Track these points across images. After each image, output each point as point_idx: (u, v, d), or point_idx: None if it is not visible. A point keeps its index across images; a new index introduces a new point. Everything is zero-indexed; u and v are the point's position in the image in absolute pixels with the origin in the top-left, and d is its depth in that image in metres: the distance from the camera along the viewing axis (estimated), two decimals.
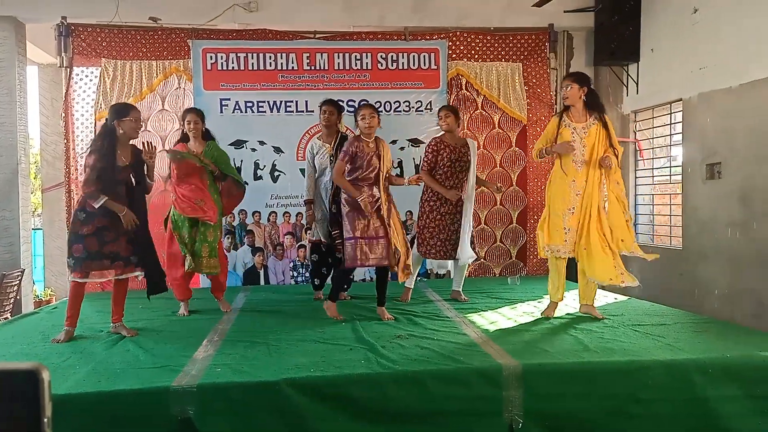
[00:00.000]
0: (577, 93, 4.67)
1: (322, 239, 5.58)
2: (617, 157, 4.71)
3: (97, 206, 4.22)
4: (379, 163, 4.84)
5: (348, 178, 4.82)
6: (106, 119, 4.48)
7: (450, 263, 7.03)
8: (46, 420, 0.89)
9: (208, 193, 5.20)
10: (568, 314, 4.94)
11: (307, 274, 6.95)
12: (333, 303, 4.92)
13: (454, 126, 5.52)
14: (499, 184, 6.14)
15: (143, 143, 4.56)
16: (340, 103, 7.20)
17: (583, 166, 4.67)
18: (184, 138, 5.30)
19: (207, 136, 5.32)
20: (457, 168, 5.46)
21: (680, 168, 6.42)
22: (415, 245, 5.59)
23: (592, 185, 4.67)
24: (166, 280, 4.88)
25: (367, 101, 7.02)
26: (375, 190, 4.84)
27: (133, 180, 4.46)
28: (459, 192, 5.41)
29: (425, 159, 5.51)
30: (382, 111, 7.12)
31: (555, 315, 4.86)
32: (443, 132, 5.57)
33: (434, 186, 5.43)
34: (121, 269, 4.39)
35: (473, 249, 5.63)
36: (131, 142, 4.50)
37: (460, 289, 5.74)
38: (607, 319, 4.68)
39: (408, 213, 7.21)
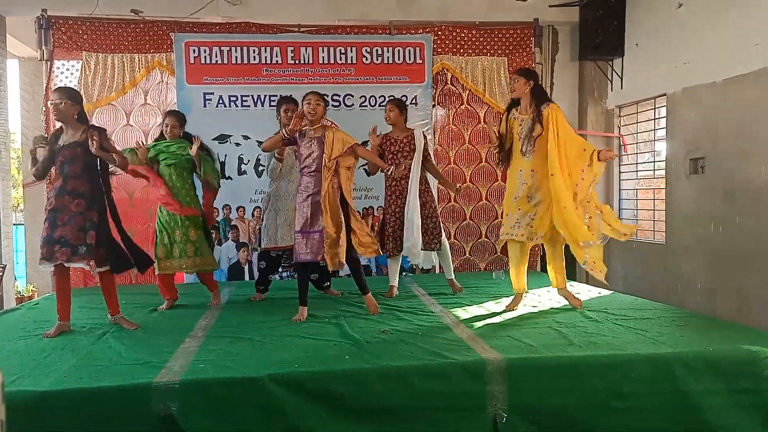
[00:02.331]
0: (523, 87, 4.84)
1: (274, 244, 5.48)
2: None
3: (35, 174, 4.27)
4: (319, 152, 4.70)
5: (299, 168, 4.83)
6: None
7: (434, 256, 7.04)
8: (0, 422, 0.85)
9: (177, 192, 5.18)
10: (552, 309, 4.96)
11: (292, 270, 6.92)
12: (303, 308, 4.76)
13: (397, 119, 5.54)
14: (458, 185, 6.10)
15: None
16: (325, 97, 7.19)
17: (531, 155, 4.81)
18: (160, 137, 5.28)
19: (185, 138, 5.27)
20: (400, 159, 5.46)
21: (664, 163, 6.45)
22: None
23: (542, 174, 4.77)
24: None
25: (352, 95, 7.06)
26: (313, 179, 4.71)
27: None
28: (402, 169, 5.31)
29: None
30: (366, 105, 7.14)
31: (538, 308, 4.91)
32: (390, 127, 5.61)
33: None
34: (67, 257, 4.15)
35: (434, 240, 5.56)
36: (76, 121, 4.33)
37: (453, 278, 5.78)
38: (590, 313, 4.70)
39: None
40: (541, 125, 4.75)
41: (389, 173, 5.08)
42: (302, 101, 4.84)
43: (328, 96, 7.04)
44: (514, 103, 4.98)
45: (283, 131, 4.78)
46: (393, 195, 5.53)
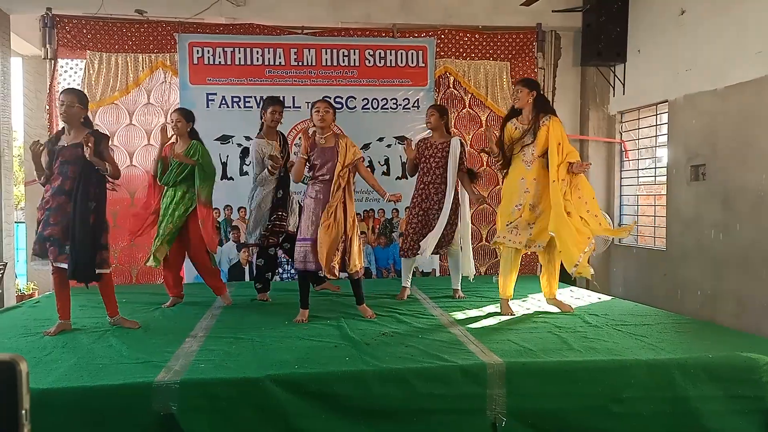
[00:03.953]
0: (526, 97, 4.91)
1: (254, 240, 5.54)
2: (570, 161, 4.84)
3: (43, 182, 4.29)
4: (333, 162, 4.71)
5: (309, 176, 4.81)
6: None
7: (436, 261, 7.10)
8: (23, 412, 0.86)
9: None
10: (551, 313, 4.98)
11: (293, 271, 6.94)
12: (304, 310, 4.77)
13: (437, 124, 5.57)
14: (482, 196, 6.06)
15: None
16: (328, 99, 7.25)
17: (532, 165, 4.90)
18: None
19: (192, 135, 5.36)
20: (432, 164, 5.52)
21: (665, 169, 6.46)
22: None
23: (543, 184, 4.86)
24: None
25: (355, 98, 7.07)
26: (324, 187, 4.72)
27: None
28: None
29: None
30: (369, 108, 7.15)
31: (529, 313, 4.93)
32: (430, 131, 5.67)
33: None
34: (54, 256, 4.18)
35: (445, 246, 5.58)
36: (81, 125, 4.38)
37: (458, 287, 5.78)
38: (589, 318, 4.72)
39: (394, 211, 7.22)
40: (534, 136, 4.84)
41: (386, 200, 4.94)
42: (311, 110, 4.86)
43: (330, 98, 7.12)
44: (515, 113, 5.02)
45: (301, 154, 4.78)
46: (419, 198, 5.57)
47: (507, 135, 5.00)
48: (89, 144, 4.14)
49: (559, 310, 5.06)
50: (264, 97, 5.72)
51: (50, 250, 4.19)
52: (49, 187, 4.30)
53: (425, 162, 5.56)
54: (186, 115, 5.34)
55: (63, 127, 4.43)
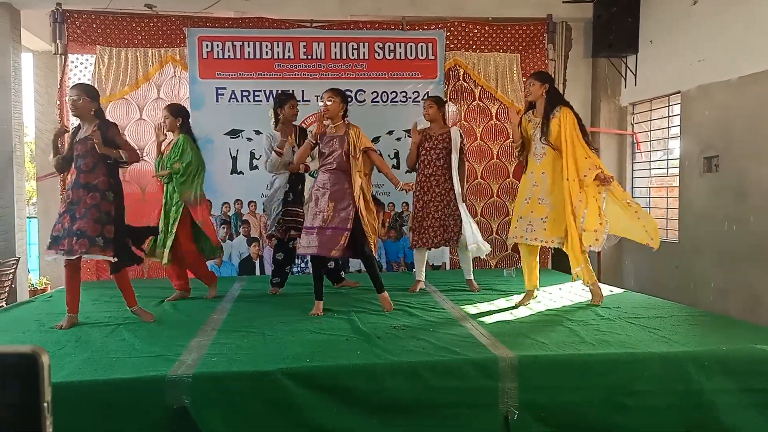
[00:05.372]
0: (538, 90, 4.87)
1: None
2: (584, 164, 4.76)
3: (56, 165, 4.45)
4: (341, 150, 4.74)
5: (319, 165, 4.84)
6: None
7: (446, 254, 7.10)
8: (45, 405, 0.86)
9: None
10: (564, 307, 4.96)
11: (303, 264, 6.95)
12: (318, 302, 4.76)
13: (436, 116, 5.60)
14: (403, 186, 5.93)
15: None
16: (345, 93, 7.26)
17: (542, 159, 4.86)
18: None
19: (184, 130, 5.35)
20: (433, 156, 5.55)
21: (677, 161, 6.42)
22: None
23: (554, 176, 4.81)
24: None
25: (364, 91, 7.06)
26: (332, 176, 4.75)
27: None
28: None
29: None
30: (378, 101, 7.13)
31: (541, 306, 4.92)
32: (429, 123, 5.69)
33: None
34: (85, 248, 4.15)
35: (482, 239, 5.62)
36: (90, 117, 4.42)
37: (472, 277, 5.78)
38: (602, 311, 4.69)
39: (404, 204, 7.21)
40: (546, 129, 4.79)
41: (398, 189, 4.95)
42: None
43: None
44: (532, 106, 5.01)
45: (309, 138, 4.85)
46: (420, 191, 5.59)
47: (522, 129, 4.99)
48: (95, 140, 4.20)
49: (573, 302, 5.06)
50: (277, 92, 5.68)
51: (79, 243, 4.15)
52: (69, 180, 4.35)
53: (425, 154, 5.57)
54: (173, 110, 5.33)
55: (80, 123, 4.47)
